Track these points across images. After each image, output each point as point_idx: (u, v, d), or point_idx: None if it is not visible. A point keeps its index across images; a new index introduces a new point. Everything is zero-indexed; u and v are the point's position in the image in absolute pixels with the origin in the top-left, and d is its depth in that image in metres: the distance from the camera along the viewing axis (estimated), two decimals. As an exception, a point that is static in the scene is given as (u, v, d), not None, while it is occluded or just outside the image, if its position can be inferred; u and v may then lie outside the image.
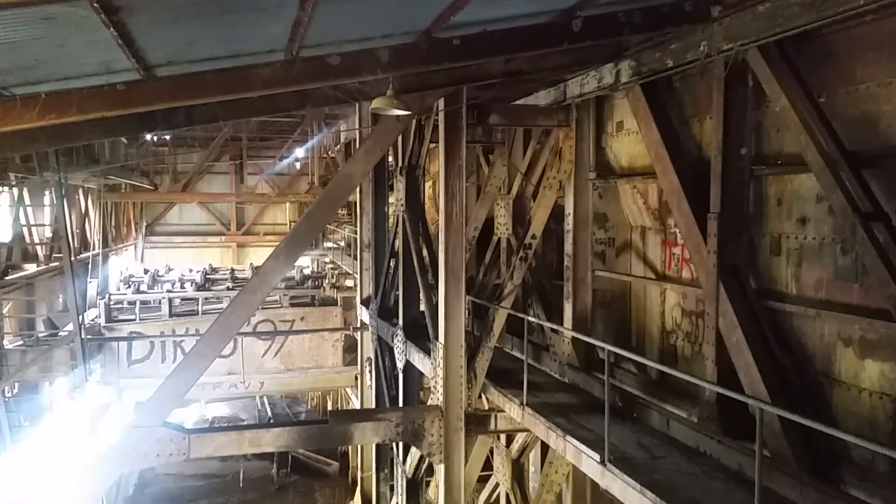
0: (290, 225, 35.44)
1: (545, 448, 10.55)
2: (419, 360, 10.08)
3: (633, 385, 8.43)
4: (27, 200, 17.92)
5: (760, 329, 6.43)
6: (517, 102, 10.44)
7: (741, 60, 6.31)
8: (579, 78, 8.82)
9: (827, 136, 5.72)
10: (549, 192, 9.51)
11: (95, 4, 4.42)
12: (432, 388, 9.23)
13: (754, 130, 6.65)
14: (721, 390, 5.97)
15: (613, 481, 6.29)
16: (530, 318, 9.08)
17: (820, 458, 5.82)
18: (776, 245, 6.57)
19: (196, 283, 20.02)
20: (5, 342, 14.22)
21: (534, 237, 9.57)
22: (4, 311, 14.81)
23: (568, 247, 9.57)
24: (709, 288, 6.72)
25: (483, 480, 12.80)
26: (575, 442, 7.12)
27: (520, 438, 11.44)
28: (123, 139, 26.04)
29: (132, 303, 17.99)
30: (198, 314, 17.64)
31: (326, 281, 20.45)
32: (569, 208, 9.55)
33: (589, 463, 6.78)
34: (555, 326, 9.28)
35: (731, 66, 6.39)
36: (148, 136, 27.97)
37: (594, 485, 9.20)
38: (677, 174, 7.24)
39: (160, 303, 17.85)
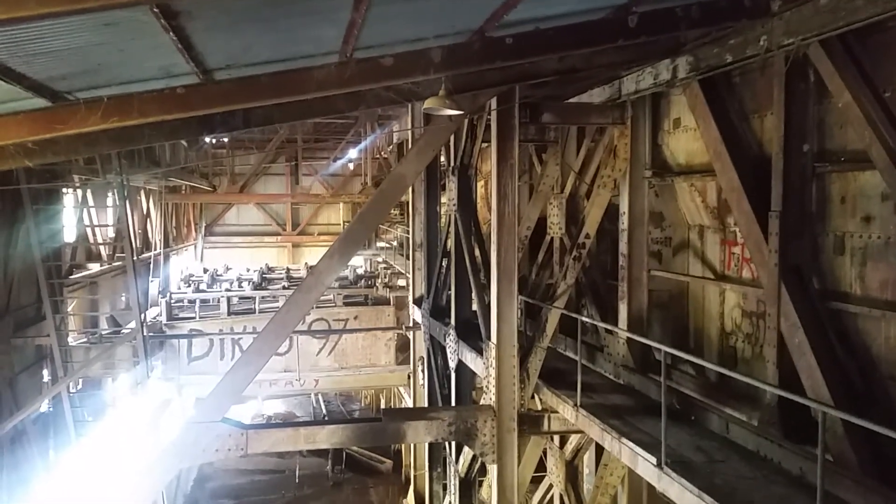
0: (344, 225, 35.83)
1: (600, 450, 10.45)
2: (471, 360, 10.07)
3: (691, 387, 8.29)
4: (91, 202, 18.37)
5: (823, 330, 6.26)
6: (571, 100, 10.35)
7: (802, 55, 6.15)
8: (635, 75, 8.71)
9: (893, 131, 5.54)
10: (604, 191, 9.41)
11: (155, 10, 4.52)
12: (485, 388, 9.21)
13: (816, 126, 6.47)
14: (783, 393, 5.84)
15: (671, 485, 6.19)
16: (584, 319, 9.00)
17: (885, 463, 5.64)
18: (839, 244, 6.38)
19: (253, 283, 20.38)
20: (70, 339, 14.64)
21: (587, 236, 9.48)
22: (69, 309, 15.27)
23: (623, 246, 9.45)
24: (770, 288, 6.56)
25: (536, 481, 12.77)
26: (631, 444, 7.04)
27: (574, 440, 11.36)
28: (183, 142, 26.70)
29: (192, 301, 18.43)
30: (255, 312, 17.98)
31: (379, 280, 20.61)
32: (624, 207, 9.43)
33: (645, 466, 6.69)
34: (609, 327, 9.16)
35: (791, 61, 6.23)
36: (207, 139, 28.54)
37: (650, 488, 9.06)
38: (737, 172, 7.09)
39: (219, 301, 18.25)
